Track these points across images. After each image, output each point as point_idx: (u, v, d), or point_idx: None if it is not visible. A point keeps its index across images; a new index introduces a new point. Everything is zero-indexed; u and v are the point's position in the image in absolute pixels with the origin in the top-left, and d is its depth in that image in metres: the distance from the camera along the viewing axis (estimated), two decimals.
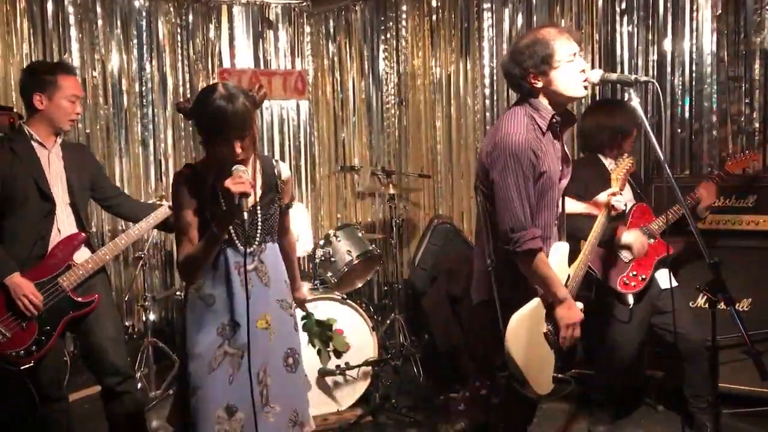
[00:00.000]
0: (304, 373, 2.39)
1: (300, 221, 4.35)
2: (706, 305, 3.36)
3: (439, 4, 5.14)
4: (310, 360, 2.62)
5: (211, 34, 5.27)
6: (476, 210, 2.40)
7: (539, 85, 2.24)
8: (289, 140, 5.58)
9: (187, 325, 2.20)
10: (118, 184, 4.94)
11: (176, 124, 5.17)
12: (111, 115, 4.94)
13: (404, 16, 5.32)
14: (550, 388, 2.33)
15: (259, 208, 2.21)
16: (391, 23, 5.37)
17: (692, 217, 2.48)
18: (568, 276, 2.39)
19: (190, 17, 5.19)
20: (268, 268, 2.24)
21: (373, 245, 4.28)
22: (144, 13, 5.03)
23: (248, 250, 2.18)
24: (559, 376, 2.36)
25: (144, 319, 4.16)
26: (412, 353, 4.34)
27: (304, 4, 5.49)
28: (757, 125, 3.86)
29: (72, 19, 4.76)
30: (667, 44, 4.11)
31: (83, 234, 2.84)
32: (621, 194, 2.64)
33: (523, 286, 2.29)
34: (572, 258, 2.45)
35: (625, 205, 3.20)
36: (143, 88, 5.05)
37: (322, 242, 4.20)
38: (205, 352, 2.14)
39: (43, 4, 4.66)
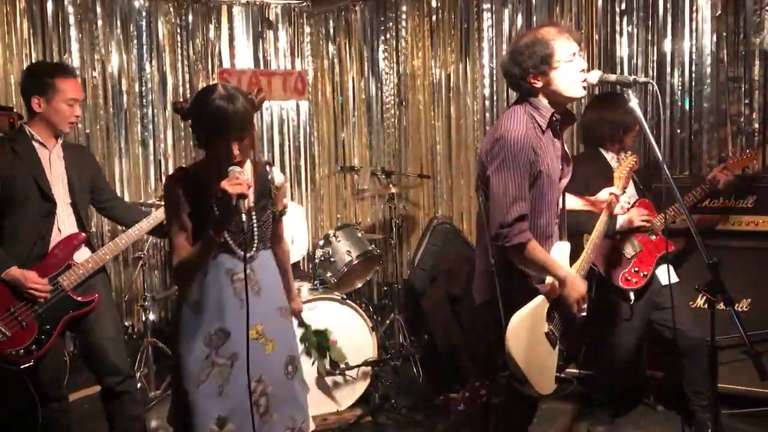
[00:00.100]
0: (302, 377, 2.34)
1: (296, 224, 4.36)
2: (706, 305, 3.36)
3: (438, 4, 5.14)
4: (308, 361, 2.59)
5: (211, 34, 5.28)
6: (476, 210, 2.40)
7: (539, 85, 2.24)
8: (289, 141, 5.58)
9: (176, 333, 2.16)
10: (117, 184, 4.95)
11: (176, 125, 5.17)
12: (111, 115, 4.94)
13: (404, 16, 5.32)
14: (552, 388, 2.34)
15: (253, 213, 2.15)
16: (390, 24, 5.38)
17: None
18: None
19: (190, 17, 5.20)
20: (259, 276, 2.18)
21: (373, 245, 4.28)
22: (144, 13, 5.03)
23: (244, 256, 2.10)
24: (562, 375, 2.37)
25: (144, 319, 4.16)
26: (411, 353, 4.34)
27: (304, 4, 5.49)
28: (756, 126, 3.86)
29: (72, 20, 4.76)
30: (667, 45, 4.11)
31: (83, 234, 2.84)
32: (623, 193, 2.62)
33: (525, 286, 2.29)
34: (574, 257, 2.45)
35: (628, 200, 3.21)
36: (143, 89, 5.05)
37: (321, 242, 4.20)
38: (191, 365, 2.09)
39: (42, 5, 4.66)
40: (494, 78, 4.90)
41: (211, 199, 2.05)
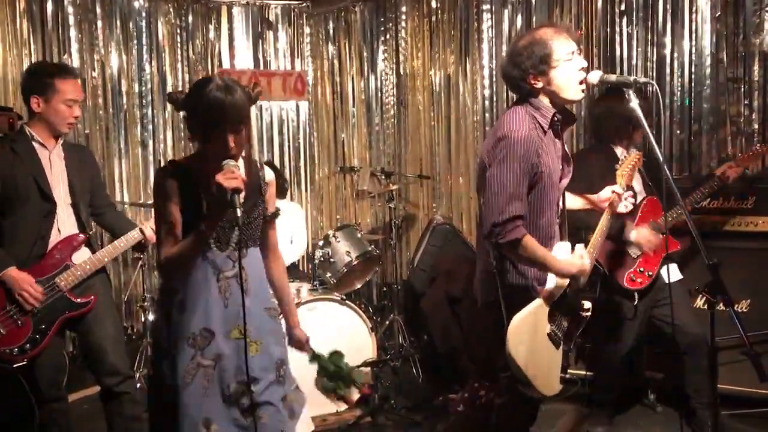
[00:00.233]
0: (295, 384, 2.27)
1: (295, 221, 4.36)
2: (705, 306, 3.36)
3: (438, 5, 5.14)
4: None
5: (211, 34, 5.28)
6: (477, 211, 2.40)
7: (539, 85, 2.24)
8: (289, 141, 5.58)
9: (161, 330, 2.10)
10: (117, 184, 4.95)
11: (176, 125, 5.17)
12: (110, 115, 4.94)
13: (404, 17, 5.33)
14: (558, 389, 2.33)
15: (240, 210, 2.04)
16: (390, 24, 5.38)
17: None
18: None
19: (190, 18, 5.20)
20: (249, 275, 2.09)
21: (373, 246, 4.28)
22: (143, 14, 5.03)
23: (226, 254, 2.06)
24: (567, 376, 2.36)
25: (143, 319, 4.16)
26: (411, 354, 4.34)
27: (304, 5, 5.49)
28: (756, 126, 3.86)
29: (72, 20, 4.77)
30: (667, 45, 4.11)
31: (83, 235, 2.84)
32: (626, 191, 2.60)
33: (526, 287, 2.29)
34: None
35: (635, 197, 3.19)
36: (143, 89, 5.05)
37: (321, 243, 4.20)
38: (179, 366, 2.02)
39: (42, 5, 4.67)
40: (494, 79, 4.90)
41: (202, 193, 2.00)
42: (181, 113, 2.04)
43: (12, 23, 4.56)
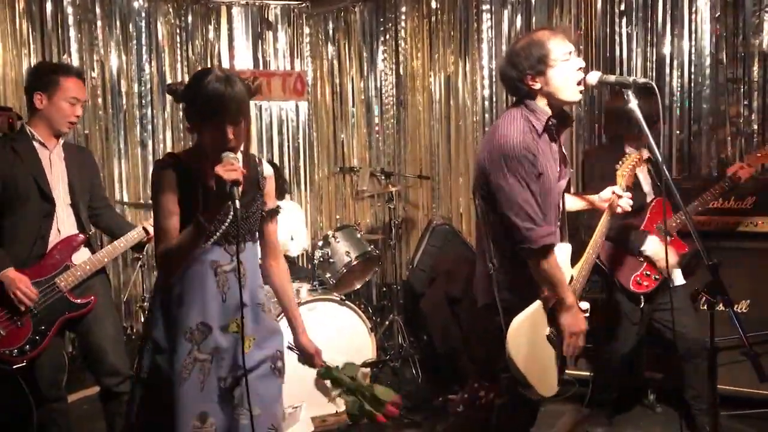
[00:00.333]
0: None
1: (295, 219, 4.36)
2: (705, 307, 3.35)
3: (438, 5, 5.14)
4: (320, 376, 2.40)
5: (211, 35, 5.28)
6: (476, 212, 2.40)
7: (536, 86, 2.24)
8: (288, 141, 5.58)
9: (155, 328, 2.07)
10: (117, 185, 4.95)
11: (175, 125, 5.17)
12: (110, 116, 4.94)
13: (403, 17, 5.33)
14: (555, 390, 2.33)
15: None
16: (390, 24, 5.38)
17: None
18: (572, 277, 2.39)
19: (190, 18, 5.20)
20: (246, 270, 2.07)
21: (372, 246, 4.28)
22: (143, 14, 5.03)
23: (223, 248, 2.04)
24: (564, 377, 2.36)
25: (143, 319, 4.15)
26: (410, 354, 4.34)
27: (304, 5, 5.49)
28: (755, 127, 3.86)
29: (71, 20, 4.77)
30: (666, 46, 4.11)
31: (82, 235, 2.84)
32: (626, 191, 2.60)
33: (524, 289, 2.29)
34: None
35: (644, 197, 3.17)
36: (142, 89, 5.05)
37: (321, 243, 4.20)
38: (175, 360, 2.01)
39: (42, 5, 4.67)
40: (493, 79, 4.90)
41: (201, 186, 1.98)
42: (181, 105, 2.02)
43: (11, 23, 4.56)
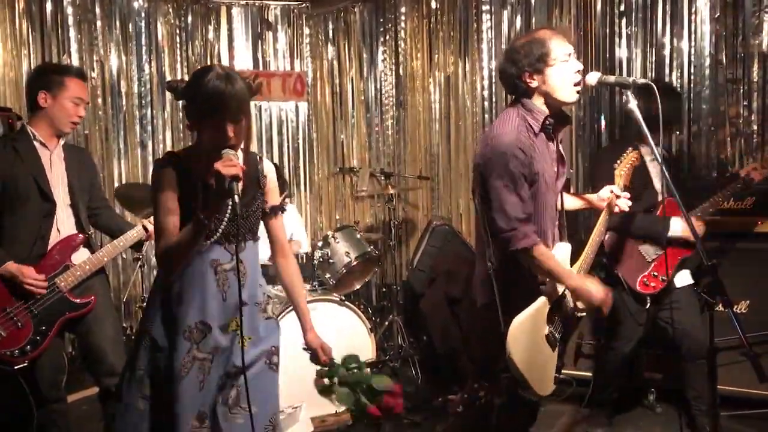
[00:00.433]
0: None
1: (292, 220, 4.36)
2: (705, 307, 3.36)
3: (438, 5, 5.14)
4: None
5: (210, 35, 5.28)
6: (476, 212, 2.41)
7: (534, 84, 2.25)
8: (288, 142, 5.59)
9: (153, 325, 2.07)
10: (116, 185, 4.95)
11: (175, 126, 5.17)
12: (110, 116, 4.94)
13: (403, 17, 5.33)
14: (551, 389, 2.34)
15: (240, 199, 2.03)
16: (390, 25, 5.38)
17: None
18: None
19: (189, 18, 5.20)
20: (246, 269, 2.08)
21: (372, 247, 4.28)
22: (143, 14, 5.03)
23: (224, 246, 2.04)
24: (561, 377, 2.36)
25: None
26: (410, 355, 4.34)
27: (303, 5, 5.50)
28: (755, 127, 3.86)
29: (71, 20, 4.77)
30: (666, 46, 4.11)
31: (82, 235, 2.84)
32: (624, 191, 2.60)
33: (524, 288, 2.29)
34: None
35: (656, 196, 3.15)
36: (142, 90, 5.05)
37: (320, 243, 4.20)
38: (174, 359, 2.00)
39: (42, 5, 4.67)
40: (493, 79, 4.90)
41: (200, 183, 1.98)
42: (181, 103, 2.01)
43: (11, 24, 4.56)
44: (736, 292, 3.42)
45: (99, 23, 4.87)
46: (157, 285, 2.14)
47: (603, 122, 4.37)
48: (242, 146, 2.05)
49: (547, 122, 2.28)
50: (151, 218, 2.88)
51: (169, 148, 5.13)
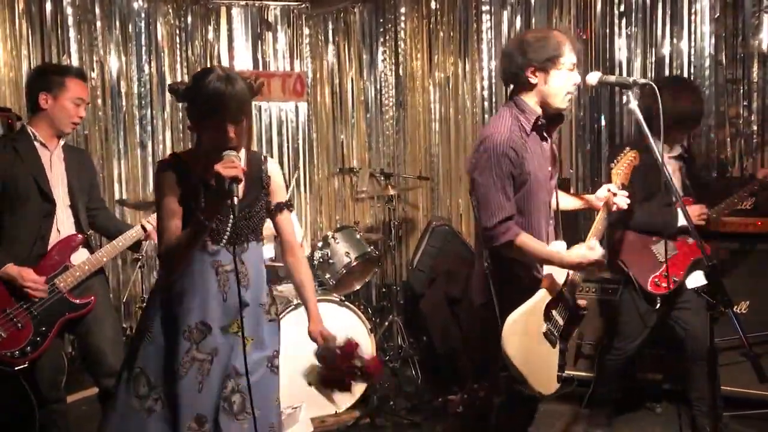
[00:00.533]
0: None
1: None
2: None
3: (437, 6, 5.14)
4: (309, 360, 2.40)
5: (210, 35, 5.28)
6: (474, 213, 2.42)
7: (534, 81, 2.27)
8: (288, 142, 5.58)
9: (153, 325, 2.07)
10: (116, 185, 4.95)
11: (175, 126, 5.17)
12: (109, 116, 4.94)
13: (403, 18, 5.32)
14: (555, 388, 2.34)
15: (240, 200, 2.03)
16: (389, 25, 5.38)
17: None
18: (567, 274, 2.39)
19: (189, 19, 5.20)
20: (248, 270, 2.09)
21: (372, 247, 4.28)
22: (143, 15, 5.03)
23: (225, 247, 2.04)
24: (563, 375, 2.37)
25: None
26: (410, 355, 4.34)
27: (303, 6, 5.49)
28: (755, 128, 3.87)
29: (71, 21, 4.76)
30: (666, 46, 4.12)
31: (81, 235, 2.84)
32: (621, 189, 2.59)
33: (519, 286, 2.30)
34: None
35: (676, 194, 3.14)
36: (142, 90, 5.05)
37: (320, 244, 4.19)
38: (172, 358, 2.01)
39: (41, 6, 4.66)
40: (493, 80, 4.90)
41: (202, 184, 1.99)
42: (182, 105, 2.02)
43: (11, 24, 4.55)
44: (736, 292, 3.42)
45: (99, 23, 4.86)
46: (158, 285, 2.15)
47: (603, 122, 4.38)
48: (245, 146, 2.07)
49: (539, 122, 2.30)
50: (150, 218, 2.91)
51: (168, 148, 5.14)
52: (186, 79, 5.16)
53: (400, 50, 5.36)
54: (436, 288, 4.34)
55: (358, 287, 4.44)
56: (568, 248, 2.35)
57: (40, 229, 2.73)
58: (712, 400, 2.85)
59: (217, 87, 1.90)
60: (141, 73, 5.03)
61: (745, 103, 3.89)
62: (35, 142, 2.77)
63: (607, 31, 4.33)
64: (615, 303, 3.45)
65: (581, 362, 3.78)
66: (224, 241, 2.03)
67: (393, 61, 5.40)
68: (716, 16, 3.92)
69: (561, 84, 2.26)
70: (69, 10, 4.75)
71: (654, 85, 2.22)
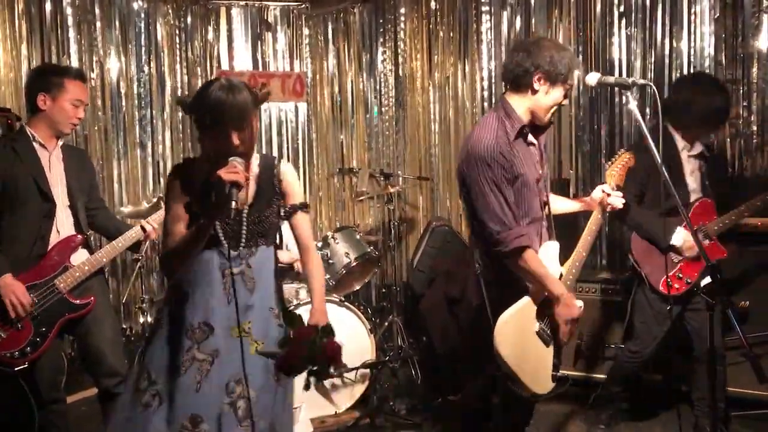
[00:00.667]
0: (292, 391, 2.24)
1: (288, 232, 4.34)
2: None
3: (437, 6, 5.14)
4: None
5: (210, 36, 5.27)
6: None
7: (537, 87, 2.28)
8: (288, 142, 5.58)
9: (163, 320, 2.11)
10: (116, 186, 4.95)
11: (174, 126, 5.17)
12: (109, 117, 4.93)
13: (403, 18, 5.32)
14: (549, 387, 2.34)
15: (247, 207, 2.10)
16: (389, 26, 5.38)
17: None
18: (561, 274, 2.40)
19: (189, 19, 5.19)
20: (255, 274, 2.11)
21: (371, 247, 4.28)
22: (142, 15, 5.03)
23: (234, 252, 2.06)
24: (558, 374, 2.37)
25: (141, 321, 4.15)
26: (410, 355, 4.34)
27: (303, 6, 5.49)
28: (754, 128, 3.86)
29: (70, 21, 4.76)
30: (666, 47, 4.11)
31: (80, 236, 2.84)
32: (615, 190, 2.60)
33: (511, 288, 2.31)
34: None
35: (689, 195, 3.11)
36: (141, 90, 5.04)
37: (320, 244, 4.19)
38: (171, 356, 2.04)
39: (41, 6, 4.66)
40: (493, 80, 4.90)
41: (204, 189, 2.01)
42: (191, 115, 2.09)
43: (11, 24, 4.55)
44: (736, 292, 3.42)
45: (98, 24, 4.86)
46: (168, 287, 2.19)
47: (603, 122, 4.38)
48: (256, 150, 2.13)
49: (525, 130, 2.33)
50: (149, 218, 2.92)
51: (168, 149, 5.14)
52: (185, 79, 5.17)
53: (399, 51, 5.36)
54: (435, 288, 4.34)
55: (357, 287, 4.44)
56: (560, 248, 2.41)
57: (40, 229, 2.73)
58: (713, 399, 2.86)
59: (218, 96, 1.95)
60: (141, 73, 5.03)
61: (744, 104, 3.89)
62: (34, 143, 2.78)
63: (607, 31, 4.33)
64: (624, 304, 3.44)
65: (581, 362, 3.77)
66: (242, 246, 2.08)
67: (393, 61, 5.39)
68: (716, 17, 3.92)
69: (552, 100, 2.30)
70: (69, 11, 4.75)
71: (653, 86, 2.23)
